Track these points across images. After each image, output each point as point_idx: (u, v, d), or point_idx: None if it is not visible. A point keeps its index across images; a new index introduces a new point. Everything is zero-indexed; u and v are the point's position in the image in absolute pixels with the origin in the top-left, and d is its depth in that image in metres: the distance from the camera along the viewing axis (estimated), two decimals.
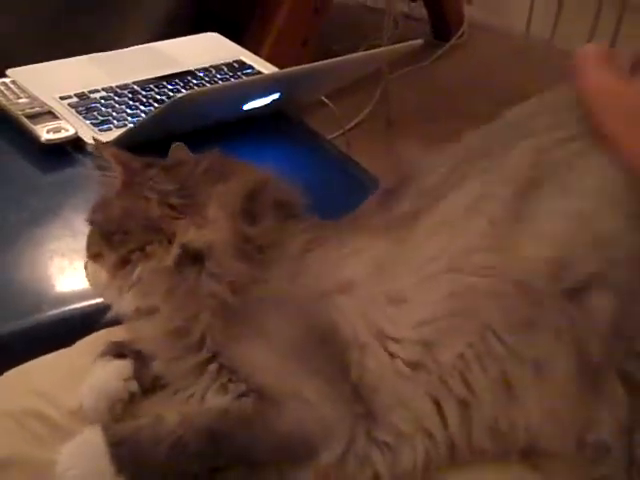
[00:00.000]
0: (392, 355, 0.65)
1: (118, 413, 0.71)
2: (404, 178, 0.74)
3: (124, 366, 0.73)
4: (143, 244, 0.75)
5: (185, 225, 0.74)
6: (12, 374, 0.78)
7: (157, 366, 0.72)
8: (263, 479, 0.66)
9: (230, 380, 0.67)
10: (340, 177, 1.24)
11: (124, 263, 0.76)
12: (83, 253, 1.01)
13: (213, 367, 0.68)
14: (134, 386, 0.72)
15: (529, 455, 0.66)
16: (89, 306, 0.95)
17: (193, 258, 0.72)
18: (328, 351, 0.66)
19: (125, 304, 0.76)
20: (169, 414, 0.66)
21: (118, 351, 0.74)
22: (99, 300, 0.95)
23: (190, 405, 0.69)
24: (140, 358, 0.73)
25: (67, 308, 0.95)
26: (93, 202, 0.82)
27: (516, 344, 0.64)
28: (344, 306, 0.67)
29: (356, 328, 0.66)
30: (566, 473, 0.66)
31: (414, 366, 0.65)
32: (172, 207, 0.76)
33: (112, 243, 0.78)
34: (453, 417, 0.65)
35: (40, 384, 0.75)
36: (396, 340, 0.66)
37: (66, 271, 1.00)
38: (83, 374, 0.75)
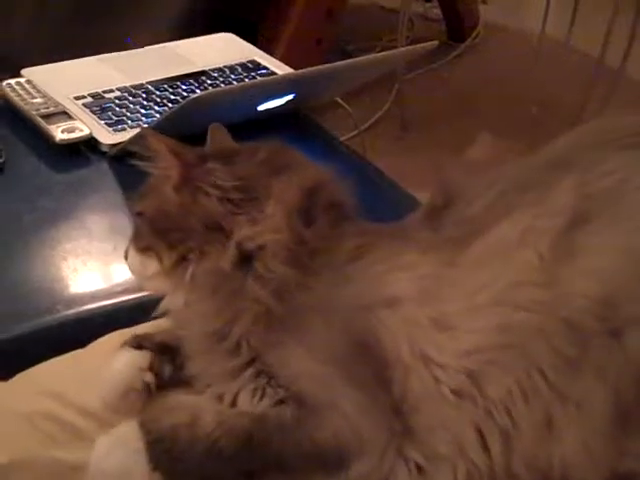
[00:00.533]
0: (437, 380, 0.65)
1: (133, 402, 0.71)
2: (449, 199, 0.73)
3: (141, 357, 0.73)
4: (203, 243, 0.74)
5: (242, 222, 0.73)
6: (26, 375, 0.78)
7: (193, 364, 0.72)
8: None
9: (268, 385, 0.67)
10: (355, 179, 1.23)
11: (181, 262, 0.75)
12: (98, 254, 1.02)
13: (250, 372, 0.68)
14: (149, 377, 0.72)
15: None
16: (103, 307, 0.95)
17: (244, 258, 0.71)
18: (370, 364, 0.66)
19: (176, 301, 0.75)
20: (206, 414, 0.66)
21: (139, 343, 0.74)
22: (113, 301, 0.95)
23: (221, 404, 0.69)
24: (162, 351, 0.73)
25: (81, 309, 0.95)
26: (140, 192, 0.80)
27: (561, 383, 0.64)
28: (388, 322, 0.67)
29: (400, 347, 0.66)
30: None
31: (459, 394, 0.65)
32: (232, 202, 0.74)
33: (169, 241, 0.75)
34: (496, 447, 0.65)
35: (53, 385, 0.75)
36: (441, 366, 0.65)
37: (80, 272, 1.00)
38: (96, 376, 0.74)
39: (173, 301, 0.75)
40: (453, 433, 0.65)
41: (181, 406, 0.69)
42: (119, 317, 0.87)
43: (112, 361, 0.73)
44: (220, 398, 0.70)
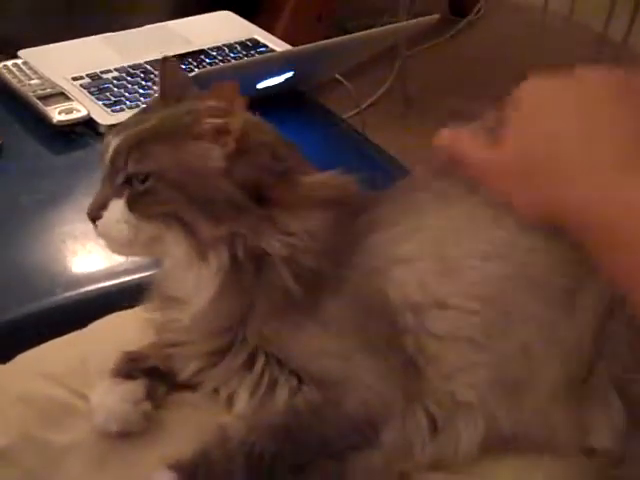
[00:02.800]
0: (455, 321, 0.65)
1: (130, 432, 0.69)
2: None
3: (135, 388, 0.70)
4: (254, 223, 0.68)
5: (282, 211, 0.69)
6: (25, 357, 0.78)
7: (195, 370, 0.70)
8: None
9: (281, 374, 0.66)
10: (356, 157, 1.23)
11: (227, 238, 0.68)
12: (96, 236, 1.01)
13: (259, 364, 0.67)
14: (147, 407, 0.69)
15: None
16: (102, 289, 0.94)
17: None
18: (381, 326, 0.66)
19: (202, 285, 0.69)
20: (231, 426, 0.64)
21: (128, 372, 0.71)
22: (112, 283, 0.95)
23: (235, 405, 0.68)
24: (154, 376, 0.71)
25: (80, 291, 0.94)
26: (135, 146, 0.69)
27: (526, 341, 0.65)
28: (399, 274, 0.67)
29: (409, 293, 0.66)
30: (576, 473, 0.67)
31: (481, 334, 0.65)
32: (282, 179, 0.70)
33: (213, 213, 0.68)
34: (512, 397, 0.65)
35: (52, 367, 0.75)
36: (455, 294, 0.65)
37: (79, 254, 1.00)
38: (95, 357, 0.74)
39: (194, 276, 0.69)
40: (474, 375, 0.65)
41: (200, 427, 0.67)
42: (118, 299, 0.86)
43: (104, 393, 0.69)
44: (231, 399, 0.68)
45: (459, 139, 0.62)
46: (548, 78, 0.60)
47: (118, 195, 0.69)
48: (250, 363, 0.67)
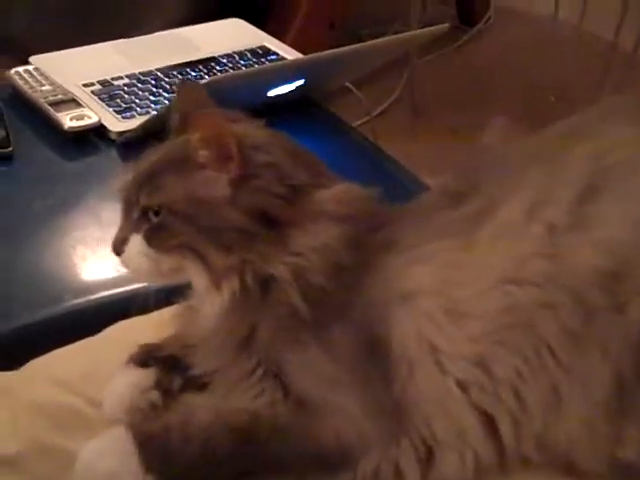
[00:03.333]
0: (443, 371, 0.64)
1: (139, 418, 0.69)
2: (465, 175, 0.72)
3: (145, 376, 0.71)
4: (263, 248, 0.68)
5: (292, 230, 0.68)
6: (35, 364, 0.78)
7: (205, 372, 0.70)
8: None
9: (270, 384, 0.66)
10: (366, 165, 1.23)
11: (238, 265, 0.68)
12: (107, 242, 1.01)
13: (257, 375, 0.66)
14: (155, 396, 0.70)
15: (567, 470, 0.65)
16: (113, 295, 0.94)
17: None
18: (377, 363, 0.65)
19: (213, 304, 0.70)
20: (199, 411, 0.65)
21: (143, 360, 0.72)
22: (122, 290, 0.95)
23: (216, 400, 0.68)
24: (170, 365, 0.72)
25: (91, 297, 0.94)
26: (145, 182, 0.70)
27: (567, 359, 0.63)
28: (401, 317, 0.66)
29: (408, 342, 0.65)
30: None
31: (464, 384, 0.64)
32: (291, 203, 0.69)
33: (222, 242, 0.68)
34: (506, 429, 0.64)
35: (63, 374, 0.75)
36: (448, 356, 0.64)
37: (89, 260, 1.00)
38: (106, 364, 0.74)
39: (209, 303, 0.70)
40: (453, 420, 0.64)
41: (174, 406, 0.68)
42: (129, 305, 0.86)
43: (116, 381, 0.71)
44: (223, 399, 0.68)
45: None
46: None
47: (136, 230, 0.71)
48: (250, 374, 0.67)
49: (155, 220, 0.69)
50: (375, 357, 0.65)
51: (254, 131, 0.73)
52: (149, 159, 0.72)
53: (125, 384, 0.71)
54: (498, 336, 0.64)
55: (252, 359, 0.67)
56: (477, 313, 0.65)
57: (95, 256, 0.99)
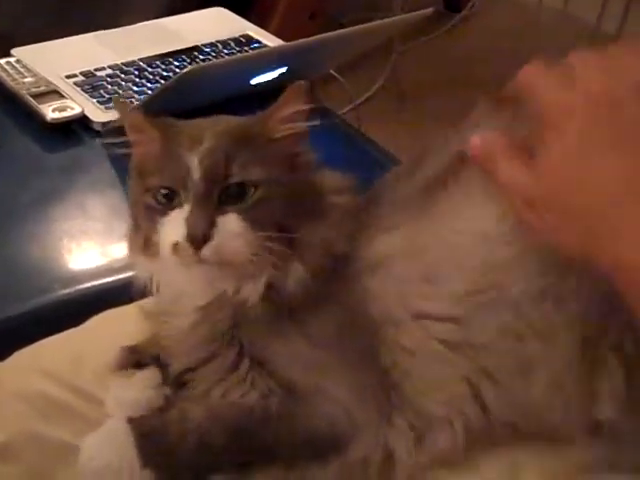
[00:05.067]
0: (427, 332, 0.64)
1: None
2: (424, 150, 0.72)
3: (151, 374, 0.70)
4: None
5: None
6: (22, 354, 0.78)
7: (181, 365, 0.69)
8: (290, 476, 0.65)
9: (259, 375, 0.66)
10: (351, 153, 1.22)
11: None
12: (92, 233, 1.02)
13: (244, 365, 0.66)
14: (167, 390, 0.70)
15: (552, 436, 0.66)
16: (99, 286, 0.94)
17: None
18: (360, 339, 0.65)
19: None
20: (195, 408, 0.65)
21: (136, 360, 0.71)
22: (108, 280, 0.95)
23: (215, 399, 0.67)
24: (159, 362, 0.71)
25: (77, 288, 0.94)
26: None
27: (535, 316, 0.63)
28: (377, 285, 0.66)
29: (389, 306, 0.65)
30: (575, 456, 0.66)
31: (448, 345, 0.64)
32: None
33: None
34: (489, 396, 0.65)
35: (50, 364, 0.75)
36: (429, 317, 0.65)
37: (75, 251, 1.00)
38: (92, 353, 0.74)
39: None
40: (447, 392, 0.64)
41: (171, 404, 0.68)
42: (115, 295, 0.86)
43: (121, 388, 0.70)
44: (210, 393, 0.68)
45: (493, 152, 0.58)
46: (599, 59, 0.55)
47: (224, 211, 0.64)
48: (236, 366, 0.67)
49: (252, 197, 0.64)
50: (358, 335, 0.65)
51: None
52: (216, 136, 0.66)
53: (137, 388, 0.69)
54: (476, 297, 0.64)
55: (235, 352, 0.67)
56: (453, 274, 0.64)
57: (81, 247, 0.99)
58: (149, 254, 0.68)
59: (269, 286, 0.66)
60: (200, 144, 0.65)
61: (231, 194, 0.64)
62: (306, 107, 0.67)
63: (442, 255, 0.65)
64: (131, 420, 0.65)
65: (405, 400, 0.65)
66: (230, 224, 0.64)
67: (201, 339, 0.68)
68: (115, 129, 0.80)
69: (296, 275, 0.66)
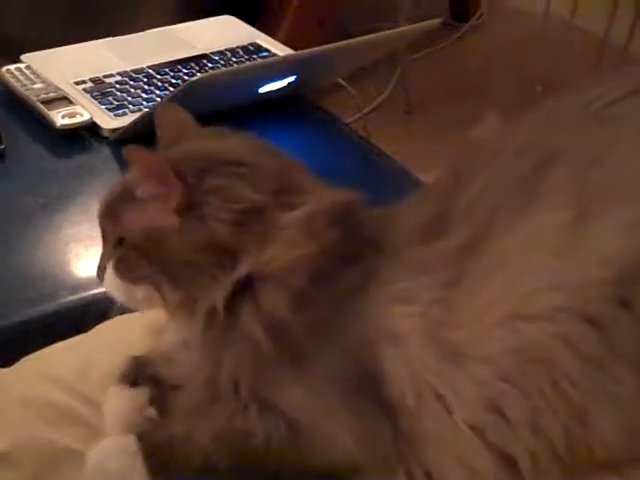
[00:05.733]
0: (452, 416, 0.61)
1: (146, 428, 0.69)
2: (444, 190, 0.68)
3: (139, 394, 0.70)
4: (210, 277, 0.66)
5: (250, 244, 0.65)
6: (28, 360, 0.78)
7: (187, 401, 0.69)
8: None
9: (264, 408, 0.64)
10: (358, 161, 1.23)
11: (188, 300, 0.67)
12: (100, 239, 1.01)
13: (253, 410, 0.64)
14: (151, 412, 0.70)
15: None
16: (105, 292, 0.94)
17: (242, 290, 0.65)
18: (372, 396, 0.63)
19: (175, 338, 0.70)
20: (201, 428, 0.65)
21: (134, 379, 0.71)
22: None
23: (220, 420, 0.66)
24: (154, 382, 0.71)
25: (84, 295, 0.94)
26: (107, 209, 0.70)
27: (589, 382, 0.60)
28: (393, 360, 0.62)
29: (404, 386, 0.62)
30: None
31: (477, 428, 0.61)
32: (243, 225, 0.66)
33: (173, 276, 0.67)
34: (526, 465, 0.61)
35: (56, 371, 0.75)
36: (456, 401, 0.61)
37: (83, 257, 1.00)
38: (97, 361, 0.74)
39: (172, 338, 0.71)
40: (469, 466, 0.62)
41: (178, 417, 0.68)
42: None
43: (111, 401, 0.70)
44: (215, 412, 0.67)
45: None
46: None
47: (111, 258, 0.71)
48: (244, 409, 0.65)
49: (120, 251, 0.69)
50: (367, 390, 0.63)
51: (213, 147, 0.70)
52: (117, 186, 0.71)
53: (121, 405, 0.70)
54: (510, 378, 0.60)
55: (234, 401, 0.65)
56: (480, 355, 0.61)
57: (88, 253, 0.99)
58: None
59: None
60: (108, 196, 0.72)
61: (116, 246, 0.70)
62: (159, 161, 0.67)
63: (467, 333, 0.61)
64: (140, 436, 0.65)
65: (419, 462, 0.63)
66: (109, 272, 0.71)
67: (200, 380, 0.67)
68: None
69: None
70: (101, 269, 0.72)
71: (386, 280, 0.65)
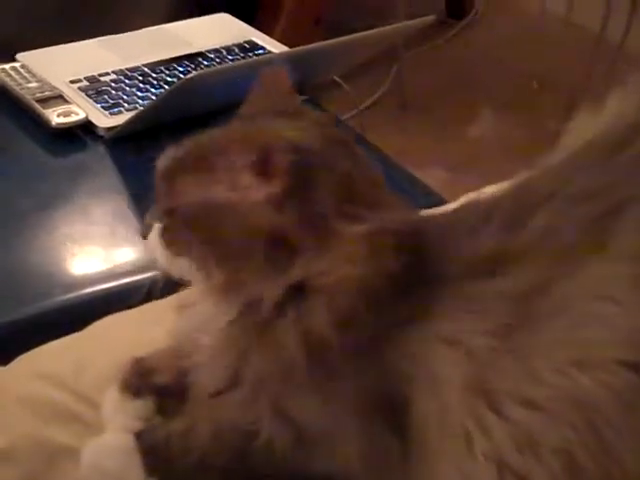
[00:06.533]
0: (472, 449, 0.58)
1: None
2: (503, 222, 0.63)
3: (146, 406, 0.68)
4: (265, 268, 0.62)
5: (311, 253, 0.61)
6: (24, 359, 0.78)
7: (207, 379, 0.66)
8: None
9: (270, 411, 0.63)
10: None
11: (233, 283, 0.64)
12: (95, 238, 1.02)
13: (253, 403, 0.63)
14: (158, 420, 0.68)
15: None
16: (101, 291, 0.94)
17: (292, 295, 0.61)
18: (391, 420, 0.61)
19: (200, 314, 0.67)
20: (201, 424, 0.64)
21: (138, 388, 0.69)
22: (111, 285, 0.95)
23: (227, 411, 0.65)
24: (165, 394, 0.69)
25: (79, 293, 0.94)
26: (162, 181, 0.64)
27: (623, 425, 0.57)
28: (426, 401, 0.60)
29: (431, 431, 0.59)
30: None
31: (503, 463, 0.58)
32: (310, 224, 0.62)
33: (226, 259, 0.63)
34: None
35: (52, 368, 0.75)
36: (480, 438, 0.58)
37: (78, 256, 1.00)
38: (94, 358, 0.74)
39: (201, 315, 0.67)
40: None
41: (178, 413, 0.67)
42: (117, 300, 0.87)
43: (116, 415, 0.68)
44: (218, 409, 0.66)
45: None
46: None
47: (158, 223, 0.66)
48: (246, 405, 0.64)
49: (168, 221, 0.65)
50: (386, 414, 0.61)
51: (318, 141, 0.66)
52: (183, 149, 0.65)
53: (128, 417, 0.68)
54: (550, 423, 0.57)
55: (250, 395, 0.63)
56: (522, 400, 0.57)
57: (83, 252, 1.00)
58: None
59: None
60: (169, 155, 0.66)
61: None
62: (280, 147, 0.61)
63: (517, 384, 0.58)
64: (137, 433, 0.65)
65: None
66: (154, 232, 0.66)
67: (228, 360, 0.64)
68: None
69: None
70: (146, 226, 0.67)
71: (437, 315, 0.61)
